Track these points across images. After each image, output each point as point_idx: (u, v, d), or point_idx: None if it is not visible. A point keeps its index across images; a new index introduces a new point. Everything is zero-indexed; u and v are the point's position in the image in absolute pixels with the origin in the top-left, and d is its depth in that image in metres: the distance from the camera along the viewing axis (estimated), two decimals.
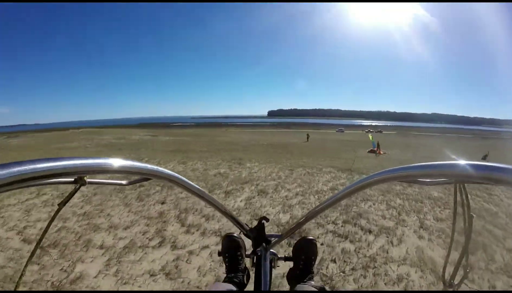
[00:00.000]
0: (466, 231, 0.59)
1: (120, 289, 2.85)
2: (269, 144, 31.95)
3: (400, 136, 62.19)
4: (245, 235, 1.08)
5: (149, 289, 2.90)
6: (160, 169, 0.62)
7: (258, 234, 1.06)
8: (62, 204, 0.57)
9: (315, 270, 1.25)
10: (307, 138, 43.67)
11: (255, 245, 1.08)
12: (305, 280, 1.13)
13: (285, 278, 1.33)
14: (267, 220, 1.04)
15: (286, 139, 42.68)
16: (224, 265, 1.26)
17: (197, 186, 0.79)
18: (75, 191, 0.57)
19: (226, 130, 73.98)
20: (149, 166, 0.57)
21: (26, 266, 0.62)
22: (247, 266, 1.25)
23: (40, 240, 0.59)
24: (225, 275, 1.23)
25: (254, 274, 1.06)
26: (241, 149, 23.95)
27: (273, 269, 1.12)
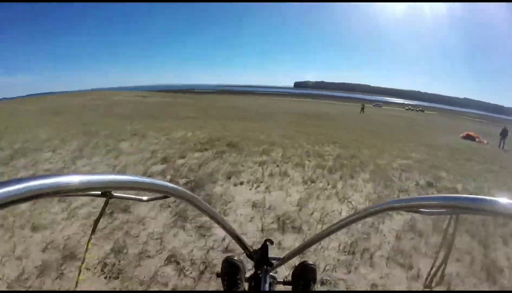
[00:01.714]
0: (445, 252, 0.64)
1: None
2: (308, 115, 24.12)
3: (452, 119, 54.36)
4: (248, 256, 1.05)
5: None
6: (179, 187, 0.64)
7: (261, 256, 1.02)
8: (97, 221, 0.61)
9: None
10: (362, 110, 36.21)
11: (256, 267, 1.04)
12: None
13: None
14: (272, 242, 1.01)
15: (329, 110, 34.01)
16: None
17: (212, 208, 0.80)
18: (105, 205, 0.60)
19: (242, 97, 62.44)
20: (167, 184, 0.59)
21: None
22: (245, 289, 1.16)
23: (83, 259, 0.65)
24: None
25: None
26: (253, 117, 14.03)
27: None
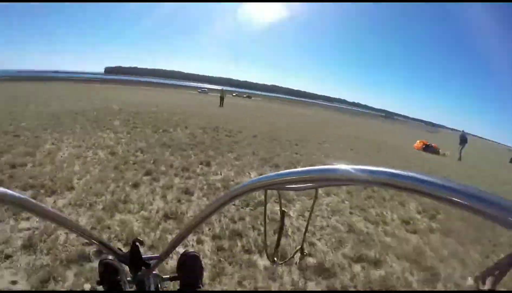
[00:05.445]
0: (280, 224, 0.70)
1: None
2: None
3: (291, 106, 60.54)
4: (120, 260, 0.92)
5: None
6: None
7: (133, 258, 0.91)
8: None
9: (203, 285, 1.10)
10: (221, 102, 26.40)
11: (133, 271, 0.93)
12: None
13: None
14: (142, 242, 0.91)
15: (177, 102, 23.92)
16: None
17: (53, 210, 0.65)
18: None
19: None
20: None
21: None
22: None
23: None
24: None
25: None
26: None
27: (161, 291, 1.03)
